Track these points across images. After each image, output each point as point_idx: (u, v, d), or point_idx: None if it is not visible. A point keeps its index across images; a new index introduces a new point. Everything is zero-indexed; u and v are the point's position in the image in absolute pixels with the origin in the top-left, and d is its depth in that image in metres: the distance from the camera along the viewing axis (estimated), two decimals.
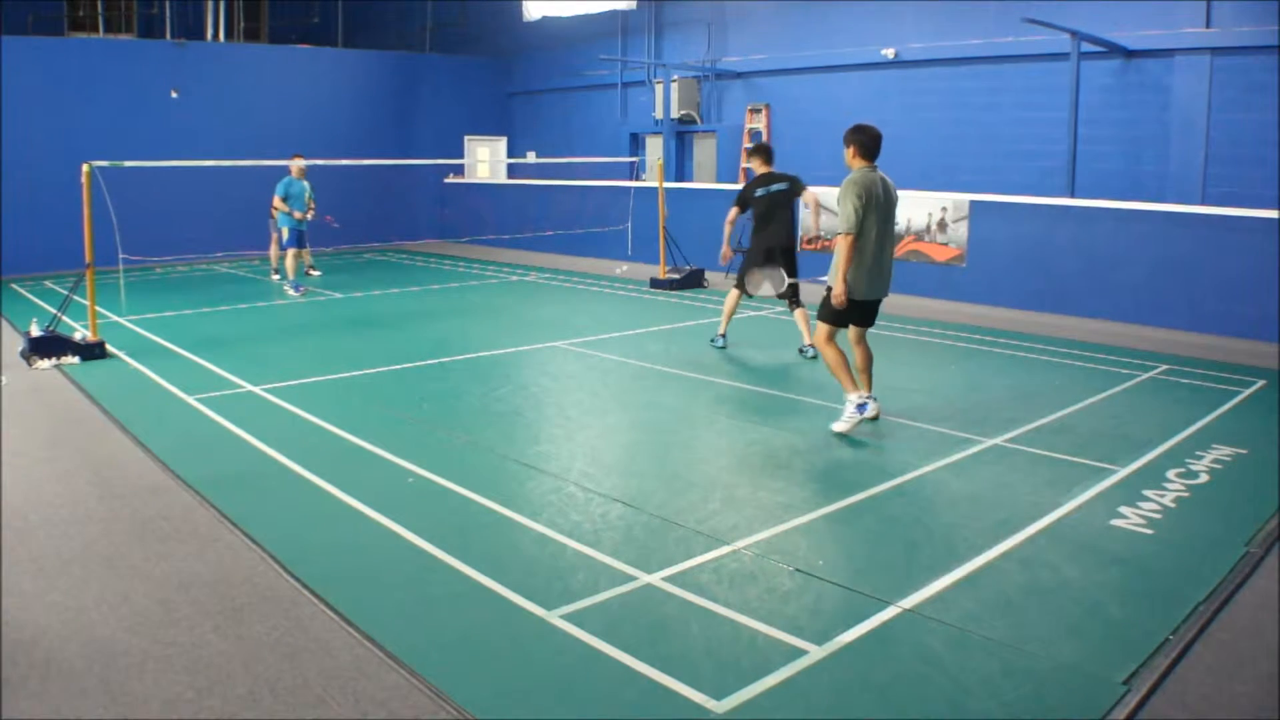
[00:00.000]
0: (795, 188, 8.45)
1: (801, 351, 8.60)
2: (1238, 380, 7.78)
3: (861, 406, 6.14)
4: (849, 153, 6.14)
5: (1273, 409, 6.91)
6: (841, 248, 5.98)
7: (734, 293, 8.82)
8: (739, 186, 15.62)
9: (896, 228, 12.36)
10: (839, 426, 6.17)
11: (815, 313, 6.53)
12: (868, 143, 6.08)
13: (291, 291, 12.63)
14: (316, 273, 14.56)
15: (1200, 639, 3.59)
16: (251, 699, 3.18)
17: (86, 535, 4.57)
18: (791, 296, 8.49)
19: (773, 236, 8.35)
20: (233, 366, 8.17)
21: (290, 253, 12.89)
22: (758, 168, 8.64)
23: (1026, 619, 3.73)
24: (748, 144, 16.56)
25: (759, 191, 8.42)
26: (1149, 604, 3.88)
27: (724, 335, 9.01)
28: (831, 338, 6.24)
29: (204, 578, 4.10)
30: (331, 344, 9.51)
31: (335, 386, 7.59)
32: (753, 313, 11.05)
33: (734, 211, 8.62)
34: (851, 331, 6.39)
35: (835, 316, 6.18)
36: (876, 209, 5.99)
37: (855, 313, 6.22)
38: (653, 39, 18.09)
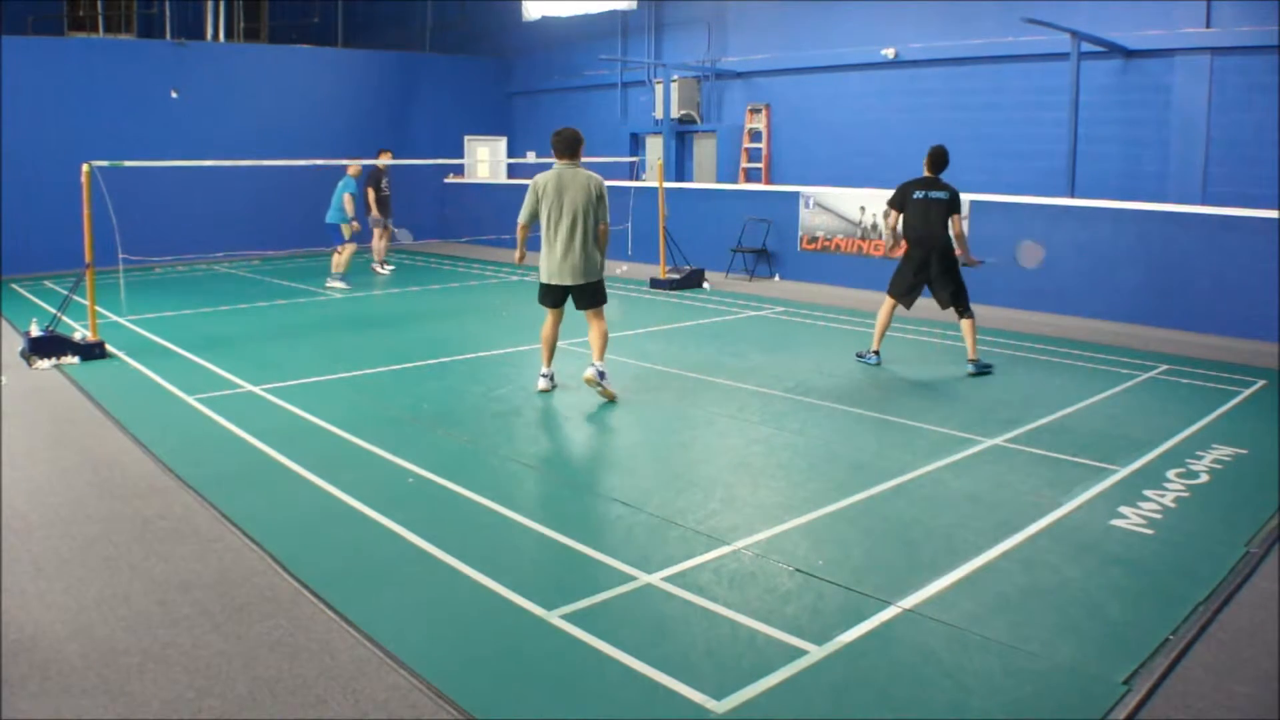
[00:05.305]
0: (954, 199, 7.89)
1: (979, 368, 7.99)
2: (1238, 380, 7.78)
3: (547, 376, 7.25)
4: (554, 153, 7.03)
5: (1273, 409, 6.91)
6: (519, 233, 7.20)
7: (888, 302, 8.27)
8: (738, 187, 15.72)
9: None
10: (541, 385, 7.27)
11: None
12: (559, 144, 6.92)
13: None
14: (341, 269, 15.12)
15: (1200, 639, 3.59)
16: (251, 699, 3.18)
17: (86, 535, 4.57)
18: (956, 304, 8.03)
19: (925, 240, 7.96)
20: (232, 366, 8.17)
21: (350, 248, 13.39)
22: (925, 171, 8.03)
23: (1026, 619, 3.73)
24: (747, 144, 16.57)
25: (916, 194, 7.93)
26: (1149, 604, 3.88)
27: (877, 352, 8.31)
28: (552, 320, 7.21)
29: (204, 578, 4.10)
30: (331, 344, 9.50)
31: (335, 386, 7.59)
32: (751, 312, 11.05)
33: (894, 215, 8.08)
34: (588, 313, 7.13)
35: (539, 299, 7.18)
36: (550, 202, 6.82)
37: (550, 295, 7.06)
38: (653, 39, 18.07)
